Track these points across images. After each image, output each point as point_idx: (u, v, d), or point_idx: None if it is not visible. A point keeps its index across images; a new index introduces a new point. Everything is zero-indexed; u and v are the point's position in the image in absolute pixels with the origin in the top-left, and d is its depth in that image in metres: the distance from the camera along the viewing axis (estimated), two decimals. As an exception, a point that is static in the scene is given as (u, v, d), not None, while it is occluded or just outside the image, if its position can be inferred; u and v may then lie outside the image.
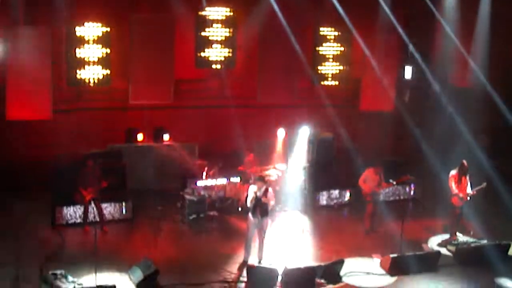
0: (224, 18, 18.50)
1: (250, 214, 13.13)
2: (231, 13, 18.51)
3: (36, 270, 12.12)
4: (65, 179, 14.66)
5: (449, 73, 19.77)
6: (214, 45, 18.59)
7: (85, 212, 14.66)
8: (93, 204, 14.66)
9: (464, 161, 14.57)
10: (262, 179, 13.27)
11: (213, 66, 18.67)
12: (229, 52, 18.75)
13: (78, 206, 14.82)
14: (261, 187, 13.04)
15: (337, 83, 20.07)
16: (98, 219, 14.69)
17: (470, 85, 19.25)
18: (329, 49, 19.84)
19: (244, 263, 13.11)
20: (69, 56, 17.22)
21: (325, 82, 19.94)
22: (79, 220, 14.85)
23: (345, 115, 18.87)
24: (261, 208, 13.01)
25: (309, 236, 14.91)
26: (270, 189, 13.22)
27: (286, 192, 16.78)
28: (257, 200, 12.94)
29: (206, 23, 18.53)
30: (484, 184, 14.72)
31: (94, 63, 17.41)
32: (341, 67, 19.96)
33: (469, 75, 19.12)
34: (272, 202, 13.22)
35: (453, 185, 14.55)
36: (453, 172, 14.62)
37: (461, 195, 14.51)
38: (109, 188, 14.64)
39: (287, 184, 16.95)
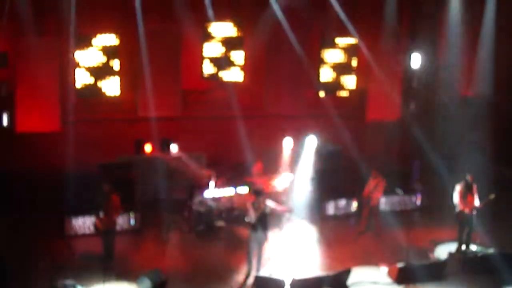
0: (231, 29, 18.66)
1: (251, 228, 13.07)
2: (238, 25, 18.66)
3: (46, 280, 12.22)
4: (76, 191, 14.74)
5: (455, 81, 19.80)
6: (221, 57, 18.75)
7: (104, 245, 13.19)
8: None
9: (469, 176, 14.39)
10: (261, 192, 13.26)
11: (220, 77, 18.81)
12: (236, 63, 18.86)
13: (87, 217, 14.86)
14: (261, 201, 13.05)
15: (343, 93, 20.15)
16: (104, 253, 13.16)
17: (475, 94, 19.28)
18: (336, 59, 19.96)
19: (249, 275, 13.13)
20: (77, 68, 17.40)
21: (332, 93, 20.02)
22: (87, 231, 14.90)
23: (351, 125, 18.92)
24: (263, 222, 13.03)
25: (316, 246, 14.97)
26: (268, 201, 13.20)
27: (293, 202, 16.83)
28: (261, 214, 12.96)
29: (213, 34, 18.73)
30: (492, 196, 14.58)
31: (103, 75, 17.57)
32: (347, 78, 20.06)
33: (474, 84, 19.15)
34: (267, 210, 13.16)
35: (458, 201, 14.44)
36: (458, 188, 14.49)
37: (466, 211, 14.41)
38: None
39: (294, 193, 17.00)
